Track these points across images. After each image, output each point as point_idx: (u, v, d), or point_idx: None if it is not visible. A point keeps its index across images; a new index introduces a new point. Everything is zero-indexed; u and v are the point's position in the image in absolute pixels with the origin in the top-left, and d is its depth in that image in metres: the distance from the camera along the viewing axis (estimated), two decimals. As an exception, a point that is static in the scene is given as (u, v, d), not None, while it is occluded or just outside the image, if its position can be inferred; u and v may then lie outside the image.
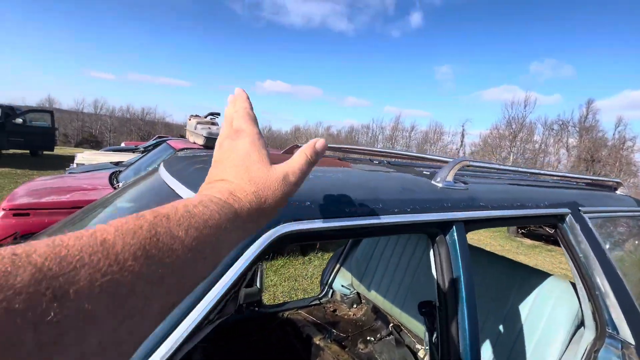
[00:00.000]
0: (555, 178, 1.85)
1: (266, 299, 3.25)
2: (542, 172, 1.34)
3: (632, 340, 1.10)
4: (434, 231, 0.76)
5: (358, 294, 2.30)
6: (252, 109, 0.46)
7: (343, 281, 2.34)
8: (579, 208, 1.17)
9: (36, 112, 11.43)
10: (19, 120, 10.08)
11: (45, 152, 11.75)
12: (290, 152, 1.89)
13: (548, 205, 1.05)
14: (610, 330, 1.13)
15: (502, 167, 1.13)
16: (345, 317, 2.23)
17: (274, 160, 0.40)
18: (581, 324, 1.27)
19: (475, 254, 1.72)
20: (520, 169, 1.27)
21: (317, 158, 0.42)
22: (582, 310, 1.21)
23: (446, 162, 0.96)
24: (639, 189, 31.71)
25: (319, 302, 2.31)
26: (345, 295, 2.33)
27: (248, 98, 0.48)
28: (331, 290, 2.39)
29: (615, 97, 58.36)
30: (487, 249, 6.77)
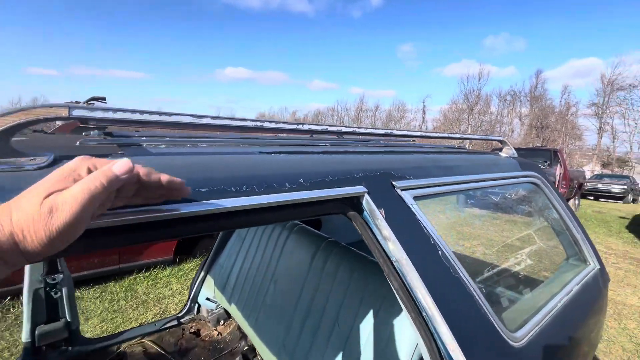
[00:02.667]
0: (417, 140, 1.44)
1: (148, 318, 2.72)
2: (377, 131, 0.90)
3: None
4: None
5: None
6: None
7: (208, 293, 1.87)
8: (394, 183, 0.73)
9: None
10: None
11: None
12: (64, 129, 1.33)
13: (310, 185, 0.60)
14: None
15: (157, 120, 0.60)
16: (207, 338, 1.76)
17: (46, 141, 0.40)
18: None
19: (334, 250, 1.29)
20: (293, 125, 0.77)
21: (112, 183, 0.32)
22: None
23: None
24: (583, 151, 34.08)
25: (177, 322, 1.83)
26: (211, 310, 1.87)
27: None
28: (197, 306, 1.91)
29: (562, 66, 61.90)
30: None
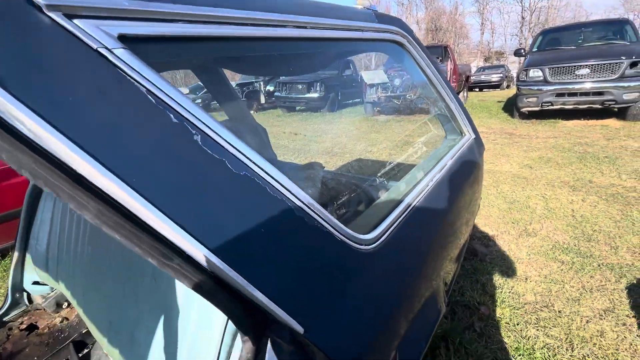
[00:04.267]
0: None
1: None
2: None
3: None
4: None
5: (66, 285, 1.40)
6: None
7: (33, 276, 1.39)
8: (38, 1, 0.32)
9: None
10: None
11: None
12: None
13: None
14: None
15: None
16: (47, 330, 1.34)
17: None
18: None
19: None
20: None
21: None
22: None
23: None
24: (470, 49, 37.57)
25: (-3, 324, 1.35)
26: (47, 294, 1.41)
27: None
28: (26, 295, 1.43)
29: (449, -37, 63.18)
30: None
